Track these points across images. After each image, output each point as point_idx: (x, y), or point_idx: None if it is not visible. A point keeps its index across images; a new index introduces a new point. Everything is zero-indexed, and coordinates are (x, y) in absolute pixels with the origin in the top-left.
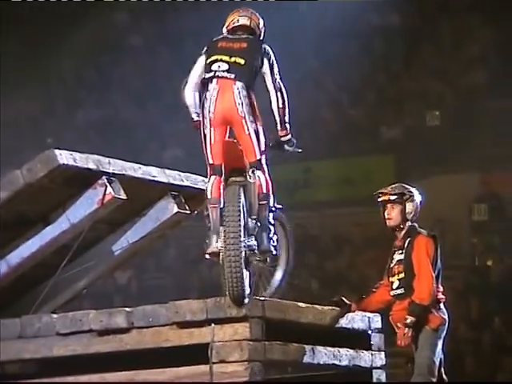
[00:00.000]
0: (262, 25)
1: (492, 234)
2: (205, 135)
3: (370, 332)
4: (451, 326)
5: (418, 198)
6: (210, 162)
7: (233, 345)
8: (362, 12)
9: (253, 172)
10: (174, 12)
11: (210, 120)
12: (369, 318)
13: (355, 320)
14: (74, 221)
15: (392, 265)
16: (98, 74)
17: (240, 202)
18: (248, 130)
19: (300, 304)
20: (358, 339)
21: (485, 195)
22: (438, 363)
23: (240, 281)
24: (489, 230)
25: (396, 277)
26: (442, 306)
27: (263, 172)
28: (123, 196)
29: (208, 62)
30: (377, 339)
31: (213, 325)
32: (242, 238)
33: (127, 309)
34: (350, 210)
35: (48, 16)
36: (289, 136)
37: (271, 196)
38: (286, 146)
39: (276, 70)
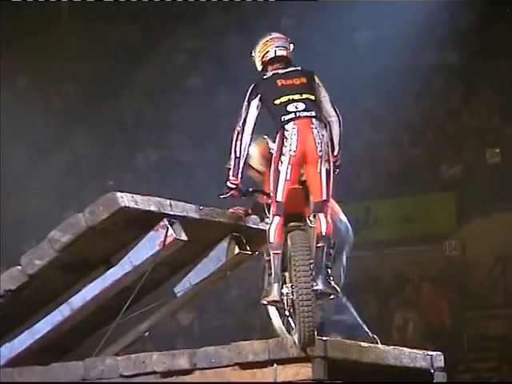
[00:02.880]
0: (292, 48)
1: None
2: (278, 171)
3: (432, 371)
4: None
5: None
6: (279, 199)
7: None
8: (419, 50)
9: (314, 216)
10: (231, 53)
11: (289, 157)
12: (431, 356)
13: (417, 359)
14: (136, 263)
15: None
16: (157, 115)
17: (308, 247)
18: (320, 169)
19: (362, 344)
20: (421, 378)
21: None
22: None
23: (312, 326)
24: None
25: None
26: None
27: (325, 215)
28: (184, 238)
29: (278, 103)
30: (439, 378)
31: (275, 365)
32: (312, 284)
33: (190, 350)
34: (411, 248)
35: (107, 58)
36: (339, 161)
37: (330, 239)
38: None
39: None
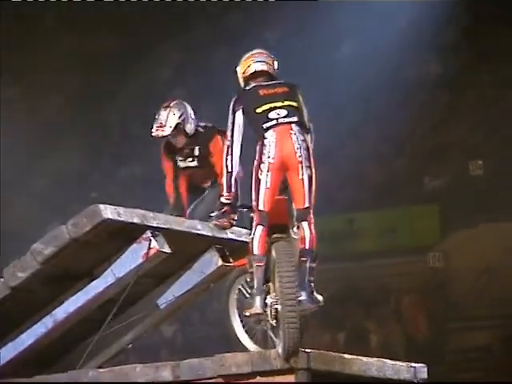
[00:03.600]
0: (276, 65)
1: None
2: (258, 180)
3: (416, 382)
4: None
5: None
6: (261, 208)
7: None
8: (403, 64)
9: (298, 227)
10: (216, 65)
11: (268, 165)
12: (415, 368)
13: (401, 371)
14: (119, 275)
15: None
16: (142, 128)
17: (293, 258)
18: (302, 175)
19: (345, 355)
20: None
21: None
22: None
23: (297, 337)
24: None
25: None
26: None
27: (309, 223)
28: (168, 250)
29: (260, 111)
30: None
31: (258, 377)
32: (297, 294)
33: (173, 362)
34: (395, 260)
35: (94, 71)
36: None
37: (313, 252)
38: None
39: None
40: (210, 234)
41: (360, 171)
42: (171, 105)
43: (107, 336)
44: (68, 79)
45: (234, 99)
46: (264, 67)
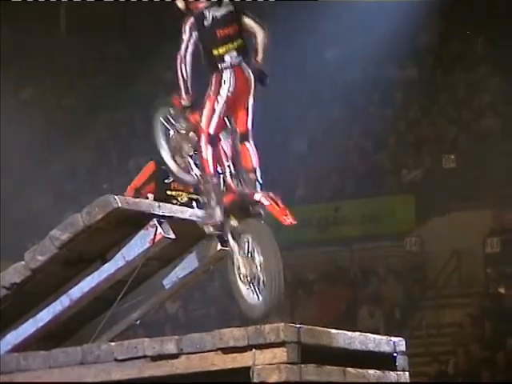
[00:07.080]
0: None
1: (504, 265)
2: (213, 110)
3: (395, 354)
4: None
5: None
6: (211, 131)
7: (272, 367)
8: (382, 66)
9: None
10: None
11: (226, 97)
12: (394, 342)
13: (382, 344)
14: (129, 258)
15: None
16: (146, 125)
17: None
18: (248, 103)
19: (331, 330)
20: (385, 361)
21: (497, 229)
22: None
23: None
24: (501, 261)
25: None
26: None
27: (250, 143)
28: (172, 236)
29: (216, 54)
30: (401, 361)
31: (254, 350)
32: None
33: (177, 336)
34: (376, 244)
35: (102, 73)
36: (263, 69)
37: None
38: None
39: None
40: None
41: (344, 163)
42: None
43: (118, 313)
44: (80, 81)
45: (190, 21)
46: None
